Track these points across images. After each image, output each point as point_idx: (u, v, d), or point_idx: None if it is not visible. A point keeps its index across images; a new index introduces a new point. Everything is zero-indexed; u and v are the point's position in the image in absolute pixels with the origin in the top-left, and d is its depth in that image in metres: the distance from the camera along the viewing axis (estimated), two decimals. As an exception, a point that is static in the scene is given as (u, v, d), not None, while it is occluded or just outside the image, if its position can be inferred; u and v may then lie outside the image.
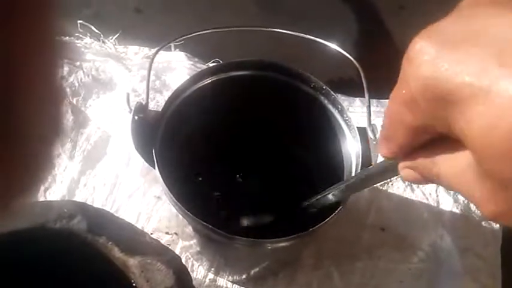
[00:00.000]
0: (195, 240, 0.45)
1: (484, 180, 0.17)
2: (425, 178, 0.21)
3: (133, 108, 0.33)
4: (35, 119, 0.13)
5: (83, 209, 0.34)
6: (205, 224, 0.31)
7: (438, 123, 0.18)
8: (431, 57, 0.17)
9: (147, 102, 0.34)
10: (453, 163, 0.19)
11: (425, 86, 0.17)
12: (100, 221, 0.34)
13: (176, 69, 0.59)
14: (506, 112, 0.14)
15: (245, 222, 0.37)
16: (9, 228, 0.32)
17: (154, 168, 0.34)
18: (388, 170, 0.24)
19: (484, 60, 0.15)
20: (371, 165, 0.35)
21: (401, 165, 0.22)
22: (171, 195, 0.32)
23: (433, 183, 0.21)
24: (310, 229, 0.33)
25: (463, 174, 0.18)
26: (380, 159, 0.36)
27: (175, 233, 0.49)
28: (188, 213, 0.32)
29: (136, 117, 0.33)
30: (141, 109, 0.33)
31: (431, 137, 0.19)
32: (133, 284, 0.33)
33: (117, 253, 0.33)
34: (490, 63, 0.15)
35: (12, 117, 0.12)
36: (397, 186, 0.53)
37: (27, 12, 0.12)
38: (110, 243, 0.33)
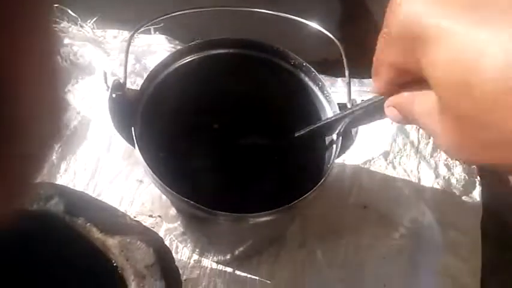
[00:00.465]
0: (178, 222, 0.45)
1: (444, 116, 0.18)
2: (405, 118, 0.23)
3: (110, 85, 0.32)
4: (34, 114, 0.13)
5: (61, 190, 0.34)
6: (187, 200, 0.31)
7: (412, 63, 0.19)
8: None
9: (125, 81, 0.34)
10: (424, 102, 0.21)
11: (401, 24, 0.19)
12: (78, 203, 0.34)
13: (156, 52, 0.58)
14: (462, 51, 0.16)
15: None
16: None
17: (134, 147, 0.34)
18: (377, 108, 0.26)
19: (451, 4, 0.17)
20: (353, 140, 0.36)
21: (386, 103, 0.24)
22: (152, 174, 0.32)
23: (412, 123, 0.23)
24: (289, 204, 0.33)
25: (430, 113, 0.20)
26: (361, 128, 0.36)
27: (159, 216, 0.49)
28: (170, 190, 0.31)
29: (114, 95, 0.32)
30: (119, 87, 0.33)
31: (411, 78, 0.21)
32: (114, 264, 0.33)
33: (96, 233, 0.33)
34: (455, 6, 0.17)
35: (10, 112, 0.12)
36: (378, 164, 0.54)
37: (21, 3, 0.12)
38: (89, 224, 0.33)
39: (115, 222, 0.34)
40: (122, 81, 0.34)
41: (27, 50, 0.12)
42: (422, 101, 0.21)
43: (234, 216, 0.34)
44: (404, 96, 0.22)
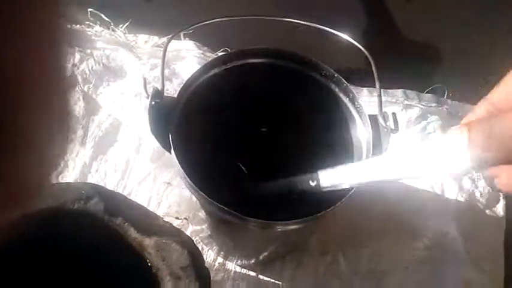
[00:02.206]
0: (205, 225, 0.46)
1: None
2: None
3: (150, 93, 0.34)
4: (43, 114, 0.13)
5: (100, 191, 0.35)
6: (220, 205, 0.32)
7: None
8: None
9: (163, 89, 0.35)
10: None
11: None
12: (116, 203, 0.35)
13: (186, 58, 0.60)
14: None
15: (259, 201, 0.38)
16: (31, 209, 0.32)
17: (169, 152, 0.35)
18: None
19: None
20: (382, 152, 0.36)
21: (500, 178, 0.24)
22: (187, 178, 0.33)
23: None
24: (321, 212, 0.33)
25: None
26: (389, 146, 0.37)
27: (185, 218, 0.50)
28: (203, 195, 0.33)
29: (153, 103, 0.34)
30: (158, 95, 0.34)
31: None
32: (149, 264, 0.34)
33: (133, 233, 0.34)
34: None
35: (19, 113, 0.12)
36: (403, 175, 0.54)
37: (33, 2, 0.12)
38: (126, 224, 0.34)
39: (150, 223, 0.35)
40: (159, 88, 0.36)
41: (37, 58, 0.12)
42: None
43: (264, 223, 0.35)
44: None
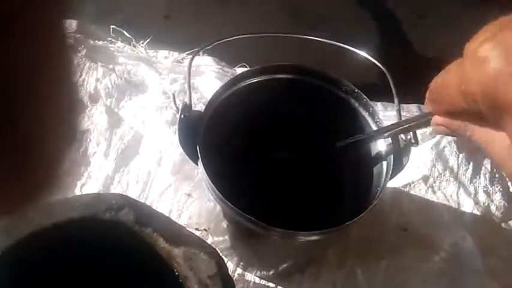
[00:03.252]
0: (226, 236, 0.47)
1: None
2: (456, 135, 0.27)
3: (180, 107, 0.35)
4: (49, 122, 0.13)
5: (129, 201, 0.37)
6: (245, 215, 0.33)
7: (487, 115, 0.21)
8: (498, 69, 0.20)
9: (191, 103, 0.36)
10: (486, 134, 0.24)
11: (485, 92, 0.20)
12: (145, 214, 0.37)
13: (205, 73, 0.61)
14: None
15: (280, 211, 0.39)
16: (64, 217, 0.34)
17: (196, 163, 0.36)
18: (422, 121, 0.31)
19: None
20: (403, 165, 0.37)
21: (435, 120, 0.28)
22: (213, 187, 0.34)
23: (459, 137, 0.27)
24: (342, 225, 0.34)
25: (496, 145, 0.23)
26: (410, 161, 0.38)
27: (205, 229, 0.51)
28: (228, 203, 0.34)
29: (182, 116, 0.35)
30: (187, 109, 0.36)
31: (472, 114, 0.24)
32: (176, 273, 0.35)
33: (162, 243, 0.35)
34: None
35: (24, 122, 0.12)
36: (418, 188, 0.55)
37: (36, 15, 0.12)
38: (156, 234, 0.35)
39: (177, 233, 0.37)
40: (187, 103, 0.37)
41: (41, 53, 0.12)
42: (483, 132, 0.24)
43: (287, 232, 0.36)
44: (461, 121, 0.25)
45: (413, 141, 0.36)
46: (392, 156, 0.37)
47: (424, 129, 0.58)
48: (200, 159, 0.35)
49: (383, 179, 0.37)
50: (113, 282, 0.36)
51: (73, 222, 0.34)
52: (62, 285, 0.35)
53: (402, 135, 0.37)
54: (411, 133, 0.37)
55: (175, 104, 0.36)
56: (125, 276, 0.36)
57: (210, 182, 0.34)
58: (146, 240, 0.35)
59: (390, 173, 0.36)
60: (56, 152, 0.14)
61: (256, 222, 0.34)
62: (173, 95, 0.37)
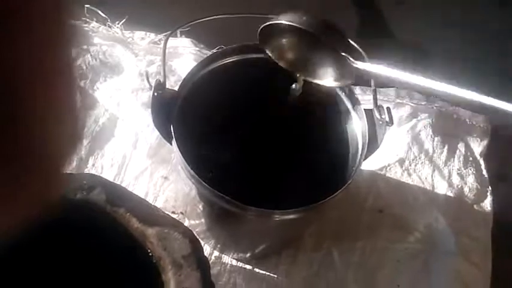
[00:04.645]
0: (202, 219, 0.47)
1: None
2: None
3: (153, 85, 0.34)
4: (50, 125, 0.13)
5: (101, 181, 0.36)
6: (220, 194, 0.33)
7: None
8: None
9: (165, 81, 0.36)
10: None
11: None
12: (117, 194, 0.36)
13: (183, 54, 0.60)
14: None
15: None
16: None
17: (170, 143, 0.35)
18: None
19: None
20: (378, 145, 0.37)
21: None
22: (188, 167, 0.33)
23: None
24: (317, 203, 0.34)
25: None
26: (385, 138, 0.38)
27: (181, 213, 0.50)
28: (203, 183, 0.33)
29: (156, 94, 0.34)
30: (160, 86, 0.35)
31: None
32: (150, 254, 0.34)
33: (135, 223, 0.34)
34: None
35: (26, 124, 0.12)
36: (394, 171, 0.56)
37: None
38: (128, 214, 0.35)
39: (151, 214, 0.36)
40: (161, 81, 0.36)
41: (44, 53, 0.13)
42: None
43: (262, 211, 0.36)
44: None
45: (388, 120, 0.37)
46: (367, 135, 0.37)
47: (401, 113, 0.59)
48: (174, 138, 0.35)
49: (358, 159, 0.37)
50: (87, 263, 0.35)
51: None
52: (33, 267, 0.34)
53: (377, 115, 0.37)
54: (386, 113, 0.37)
55: (148, 82, 0.35)
56: (98, 258, 0.35)
57: (183, 161, 0.34)
58: (119, 221, 0.34)
59: (365, 152, 0.36)
60: (59, 150, 0.14)
61: (231, 201, 0.34)
62: (146, 72, 0.36)
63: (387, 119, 0.37)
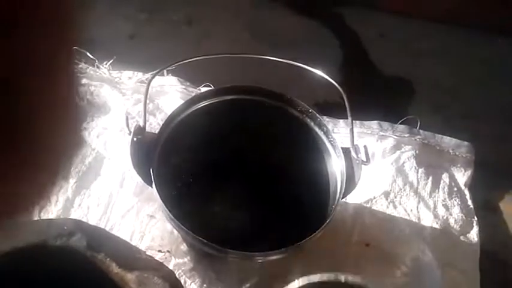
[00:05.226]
0: (188, 258, 0.47)
1: None
2: None
3: (132, 130, 0.35)
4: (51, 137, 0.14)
5: (82, 226, 0.36)
6: (199, 238, 0.33)
7: None
8: None
9: (145, 125, 0.37)
10: None
11: None
12: (98, 238, 0.36)
13: (169, 93, 0.62)
14: None
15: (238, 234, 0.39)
16: (10, 246, 0.33)
17: (151, 186, 0.36)
18: None
19: None
20: (355, 184, 0.38)
21: None
22: (168, 212, 0.34)
23: None
24: (298, 243, 0.35)
25: None
26: (364, 170, 0.39)
27: (168, 251, 0.50)
28: (184, 228, 0.34)
29: (135, 139, 0.35)
30: (140, 131, 0.36)
31: None
32: (130, 299, 0.34)
33: (115, 269, 0.34)
34: None
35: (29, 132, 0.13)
36: (380, 204, 0.56)
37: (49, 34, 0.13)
38: (108, 259, 0.35)
39: (132, 257, 0.36)
40: (141, 125, 0.37)
41: (49, 83, 0.13)
42: None
43: (243, 254, 0.36)
44: None
45: (364, 159, 0.37)
46: (345, 174, 0.38)
47: (384, 146, 0.60)
48: (154, 182, 0.35)
49: (337, 197, 0.37)
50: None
51: (21, 251, 0.33)
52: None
53: (354, 154, 0.38)
54: (363, 151, 0.38)
55: (127, 126, 0.36)
56: (78, 304, 0.35)
57: (163, 205, 0.34)
58: (99, 266, 0.34)
59: (343, 191, 0.37)
60: (60, 155, 0.15)
61: (210, 244, 0.34)
62: (126, 116, 0.37)
63: (363, 158, 0.37)
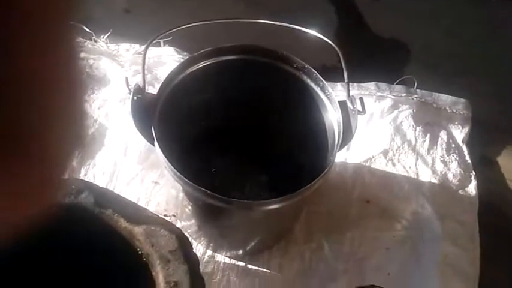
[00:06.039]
0: (193, 220, 0.48)
1: None
2: None
3: (132, 89, 0.36)
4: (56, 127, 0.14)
5: (89, 186, 0.37)
6: (203, 189, 0.34)
7: None
8: None
9: (144, 85, 0.37)
10: None
11: None
12: (105, 197, 0.37)
13: (167, 63, 0.62)
14: None
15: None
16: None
17: (153, 144, 0.37)
18: None
19: None
20: (352, 133, 0.39)
21: None
22: (171, 166, 0.35)
23: None
24: (297, 191, 0.36)
25: None
26: (362, 126, 0.40)
27: (174, 215, 0.52)
28: (187, 181, 0.35)
29: (135, 98, 0.36)
30: (140, 91, 0.36)
31: None
32: (139, 251, 0.36)
33: (123, 223, 0.36)
34: None
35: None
36: (379, 162, 0.57)
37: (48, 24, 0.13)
38: (116, 215, 0.36)
39: (139, 214, 0.37)
40: (141, 85, 0.38)
41: (50, 61, 0.13)
42: None
43: (244, 203, 0.37)
44: None
45: (360, 109, 0.38)
46: (342, 125, 0.38)
47: (382, 106, 0.60)
48: (156, 140, 0.36)
49: (335, 148, 0.38)
50: (77, 265, 0.36)
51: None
52: (26, 270, 0.36)
53: (350, 105, 0.38)
54: (359, 103, 0.39)
55: (127, 87, 0.37)
56: (89, 258, 0.36)
57: (166, 160, 0.35)
58: (107, 221, 0.36)
59: (341, 141, 0.38)
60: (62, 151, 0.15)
61: (212, 195, 0.35)
62: (126, 78, 0.37)
63: (359, 109, 0.38)
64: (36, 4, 0.12)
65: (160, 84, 0.39)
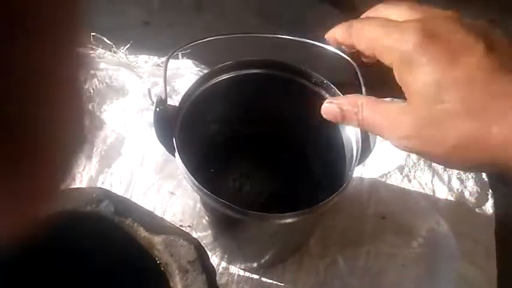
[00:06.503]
0: (209, 231, 0.48)
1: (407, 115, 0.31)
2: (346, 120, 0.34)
3: (155, 100, 0.37)
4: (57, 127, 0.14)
5: (109, 194, 0.38)
6: (220, 200, 0.35)
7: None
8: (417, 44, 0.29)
9: (166, 97, 0.38)
10: (376, 106, 0.33)
11: (403, 55, 0.31)
12: (125, 206, 0.38)
13: (184, 75, 0.63)
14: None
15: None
16: (53, 210, 0.35)
17: (174, 155, 0.37)
18: None
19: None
20: (371, 149, 0.39)
21: (328, 100, 0.36)
22: (190, 177, 0.35)
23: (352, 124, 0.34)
24: (314, 206, 0.36)
25: (386, 113, 0.32)
26: (378, 141, 0.40)
27: (189, 226, 0.52)
28: (205, 190, 0.35)
29: (158, 109, 0.36)
30: (162, 102, 0.37)
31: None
32: (158, 261, 0.36)
33: (142, 233, 0.36)
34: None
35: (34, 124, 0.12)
36: (395, 178, 0.57)
37: (53, 24, 0.12)
38: (136, 224, 0.36)
39: (157, 224, 0.38)
40: (163, 97, 0.39)
41: (50, 64, 0.13)
42: (369, 104, 0.34)
43: (260, 215, 0.37)
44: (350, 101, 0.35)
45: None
46: (360, 140, 0.39)
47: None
48: (176, 150, 0.37)
49: (353, 164, 0.38)
50: (97, 274, 0.37)
51: (53, 217, 0.35)
52: (42, 275, 0.36)
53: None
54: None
55: (150, 98, 0.38)
56: (108, 267, 0.36)
57: (185, 170, 0.36)
58: (126, 231, 0.36)
59: (359, 157, 0.38)
60: (65, 155, 0.15)
61: (230, 206, 0.35)
62: (149, 89, 0.38)
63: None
64: (42, 7, 0.12)
65: (182, 96, 0.39)
